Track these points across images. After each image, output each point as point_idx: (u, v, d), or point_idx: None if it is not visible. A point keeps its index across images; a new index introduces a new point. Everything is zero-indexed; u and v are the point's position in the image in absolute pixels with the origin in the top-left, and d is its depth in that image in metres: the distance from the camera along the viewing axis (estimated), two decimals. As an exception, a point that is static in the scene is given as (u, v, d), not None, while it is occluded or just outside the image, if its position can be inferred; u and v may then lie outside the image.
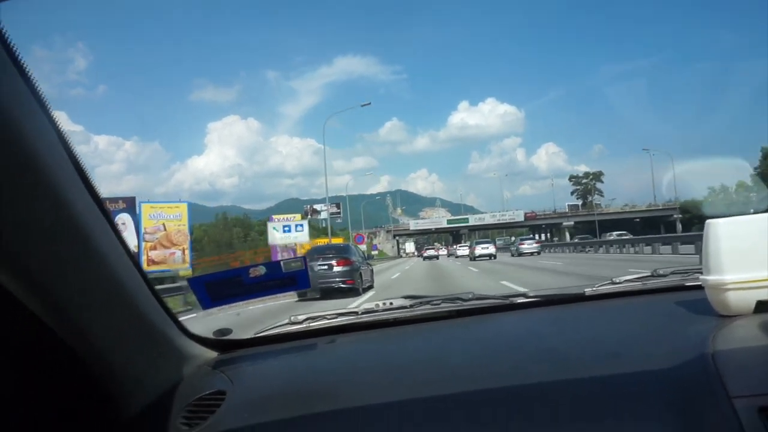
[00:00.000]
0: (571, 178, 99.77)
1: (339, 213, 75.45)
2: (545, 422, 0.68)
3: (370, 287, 12.57)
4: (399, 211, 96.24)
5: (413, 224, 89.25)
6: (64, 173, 0.63)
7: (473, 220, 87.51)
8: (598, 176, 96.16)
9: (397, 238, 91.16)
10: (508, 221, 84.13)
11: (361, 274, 11.58)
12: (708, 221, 0.91)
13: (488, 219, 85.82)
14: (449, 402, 0.74)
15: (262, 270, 0.98)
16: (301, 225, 29.22)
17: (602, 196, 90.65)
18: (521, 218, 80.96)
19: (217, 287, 0.97)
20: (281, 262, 1.00)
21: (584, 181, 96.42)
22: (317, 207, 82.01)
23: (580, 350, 0.87)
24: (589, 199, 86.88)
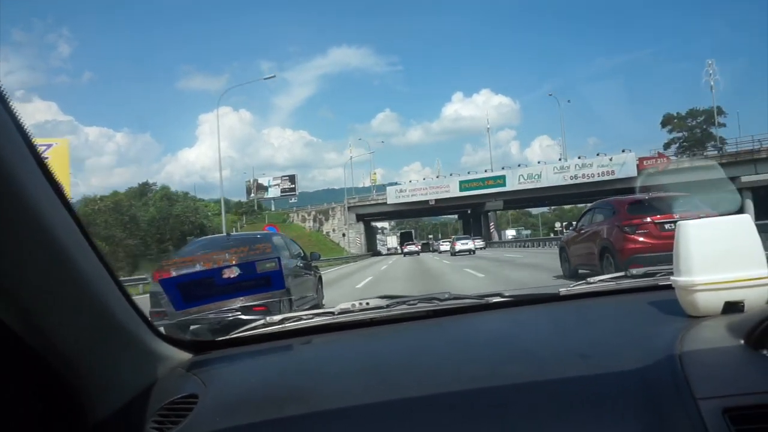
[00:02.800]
0: (667, 120, 58.29)
1: (294, 191, 61.58)
2: (518, 422, 0.69)
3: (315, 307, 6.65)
4: (374, 176, 62.54)
5: (395, 194, 52.01)
6: (25, 169, 0.62)
7: (512, 179, 46.32)
8: (718, 113, 52.07)
9: (370, 222, 61.58)
10: (590, 180, 42.91)
11: (288, 289, 6.28)
12: (679, 223, 0.92)
13: (551, 175, 45.39)
14: (425, 403, 0.75)
15: (235, 271, 0.98)
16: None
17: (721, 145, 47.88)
18: (630, 170, 40.92)
19: (189, 288, 0.96)
20: (255, 263, 1.00)
21: (693, 123, 57.36)
22: (264, 181, 62.54)
23: (552, 350, 0.88)
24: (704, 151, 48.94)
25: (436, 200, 50.22)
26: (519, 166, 49.79)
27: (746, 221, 0.89)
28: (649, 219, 7.75)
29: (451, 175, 53.48)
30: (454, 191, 49.91)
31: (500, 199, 49.17)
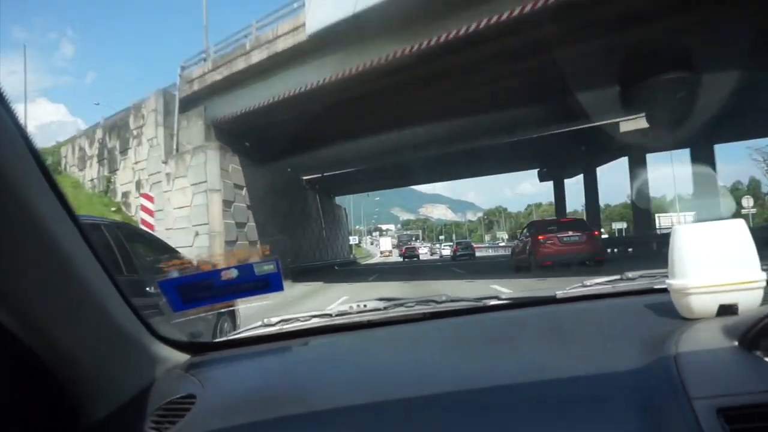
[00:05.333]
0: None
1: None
2: (514, 423, 0.69)
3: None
4: None
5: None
6: (23, 169, 0.62)
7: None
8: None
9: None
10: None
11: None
12: (674, 227, 0.94)
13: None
14: (422, 404, 0.75)
15: (234, 273, 0.99)
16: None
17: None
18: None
19: (188, 290, 0.97)
20: (254, 265, 1.00)
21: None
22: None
23: (548, 352, 0.89)
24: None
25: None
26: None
27: (740, 225, 0.90)
28: (553, 235, 12.91)
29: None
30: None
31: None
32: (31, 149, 0.64)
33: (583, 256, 12.36)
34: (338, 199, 37.51)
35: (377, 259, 52.61)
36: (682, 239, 0.91)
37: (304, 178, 25.66)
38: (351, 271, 26.49)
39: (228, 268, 0.98)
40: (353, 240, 49.71)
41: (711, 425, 0.58)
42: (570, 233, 12.83)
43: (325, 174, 25.69)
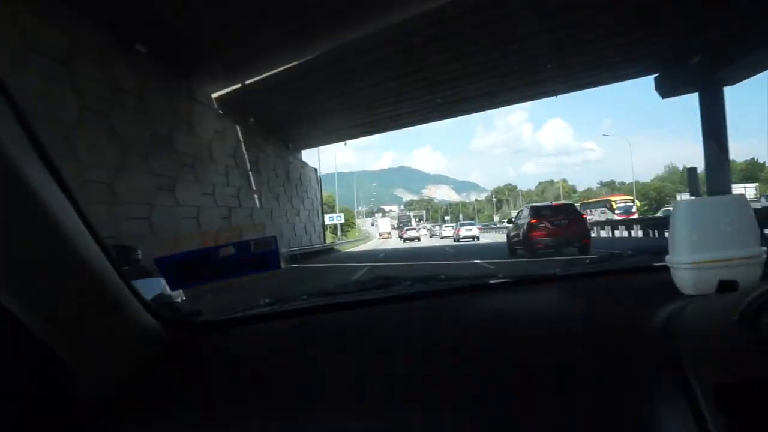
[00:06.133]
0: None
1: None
2: (515, 400, 0.69)
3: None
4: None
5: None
6: (21, 153, 0.61)
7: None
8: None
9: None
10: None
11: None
12: (674, 202, 0.93)
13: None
14: (422, 383, 0.75)
15: (231, 250, 0.98)
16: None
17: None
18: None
19: (184, 267, 0.97)
20: (251, 242, 1.00)
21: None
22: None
23: (548, 329, 0.89)
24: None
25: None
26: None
27: (741, 200, 0.89)
28: (545, 218, 13.57)
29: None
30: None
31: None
32: (28, 129, 0.63)
33: (572, 238, 13.51)
34: (325, 181, 27.57)
35: (372, 243, 43.20)
36: (682, 215, 0.90)
37: (214, 96, 15.59)
38: (308, 272, 14.86)
39: (225, 245, 0.98)
40: (335, 219, 38.04)
41: (709, 401, 0.58)
42: (561, 217, 13.79)
43: (246, 83, 15.59)
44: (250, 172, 17.46)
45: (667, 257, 0.94)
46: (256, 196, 17.80)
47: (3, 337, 0.70)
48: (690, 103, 19.69)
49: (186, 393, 0.83)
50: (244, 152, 17.02)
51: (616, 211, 39.44)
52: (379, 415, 0.72)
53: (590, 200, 53.80)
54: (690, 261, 0.88)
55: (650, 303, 0.91)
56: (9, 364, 0.73)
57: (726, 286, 0.86)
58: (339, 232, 42.08)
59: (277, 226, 19.67)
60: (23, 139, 0.64)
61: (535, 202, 48.01)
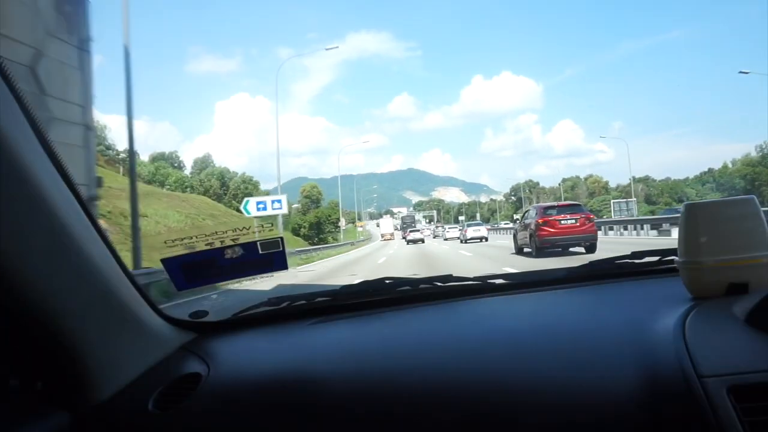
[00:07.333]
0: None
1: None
2: (520, 404, 0.69)
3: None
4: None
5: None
6: (28, 148, 0.62)
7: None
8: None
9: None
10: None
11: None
12: (684, 204, 0.92)
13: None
14: (428, 385, 0.75)
15: (238, 251, 0.99)
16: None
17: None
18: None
19: (192, 268, 0.97)
20: (258, 243, 1.00)
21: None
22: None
23: (554, 333, 0.88)
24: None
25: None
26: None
27: (752, 203, 0.88)
28: (553, 218, 13.34)
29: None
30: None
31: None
32: (35, 128, 0.64)
33: (580, 237, 13.32)
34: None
35: (368, 248, 37.50)
36: (692, 217, 0.89)
37: None
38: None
39: (232, 246, 0.98)
40: (270, 206, 20.72)
41: (721, 404, 0.57)
42: (568, 216, 13.49)
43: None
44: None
45: (676, 259, 0.93)
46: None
47: (16, 337, 0.71)
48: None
49: (194, 392, 0.83)
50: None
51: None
52: (380, 420, 0.72)
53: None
54: (699, 263, 0.87)
55: (659, 305, 0.90)
56: (21, 363, 0.74)
57: (736, 289, 0.85)
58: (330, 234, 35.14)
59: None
60: (35, 143, 0.65)
61: (566, 200, 46.75)
